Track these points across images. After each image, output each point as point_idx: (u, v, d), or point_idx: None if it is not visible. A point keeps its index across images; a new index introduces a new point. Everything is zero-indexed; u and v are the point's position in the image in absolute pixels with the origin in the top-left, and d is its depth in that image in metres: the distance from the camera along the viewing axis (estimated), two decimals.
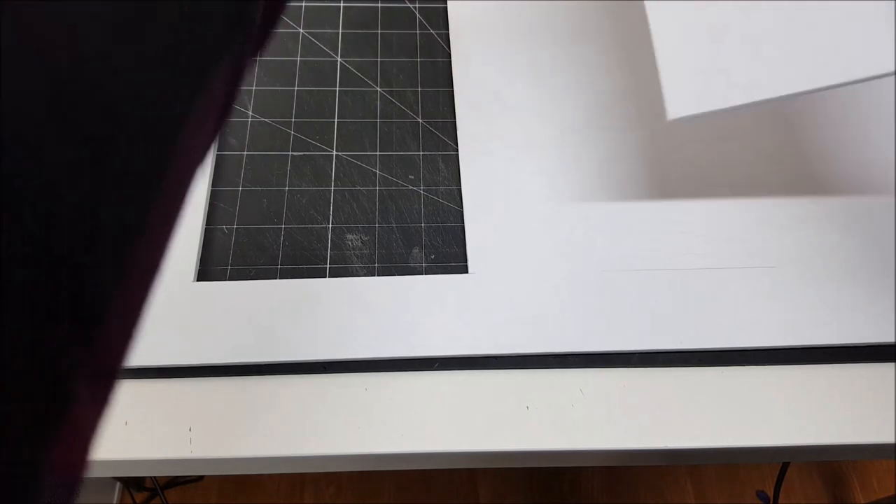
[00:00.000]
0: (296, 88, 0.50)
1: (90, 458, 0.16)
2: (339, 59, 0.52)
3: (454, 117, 0.48)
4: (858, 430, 0.37)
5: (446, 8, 0.54)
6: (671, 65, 0.32)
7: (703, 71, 0.31)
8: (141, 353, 0.38)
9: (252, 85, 0.50)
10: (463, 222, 0.44)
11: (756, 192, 0.45)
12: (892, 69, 0.29)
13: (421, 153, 0.47)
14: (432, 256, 0.43)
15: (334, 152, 0.47)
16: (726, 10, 0.32)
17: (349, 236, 0.43)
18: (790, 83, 0.30)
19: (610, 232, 0.43)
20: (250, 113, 0.48)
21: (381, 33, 0.53)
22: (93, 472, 0.37)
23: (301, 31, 0.53)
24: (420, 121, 0.48)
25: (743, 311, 0.40)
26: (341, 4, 0.55)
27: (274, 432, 0.37)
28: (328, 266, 0.42)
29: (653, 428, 0.37)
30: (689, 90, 0.31)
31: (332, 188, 0.45)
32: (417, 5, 0.55)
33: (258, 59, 0.40)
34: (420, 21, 0.54)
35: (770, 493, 0.99)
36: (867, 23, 0.29)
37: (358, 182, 0.45)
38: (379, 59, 0.52)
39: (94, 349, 0.15)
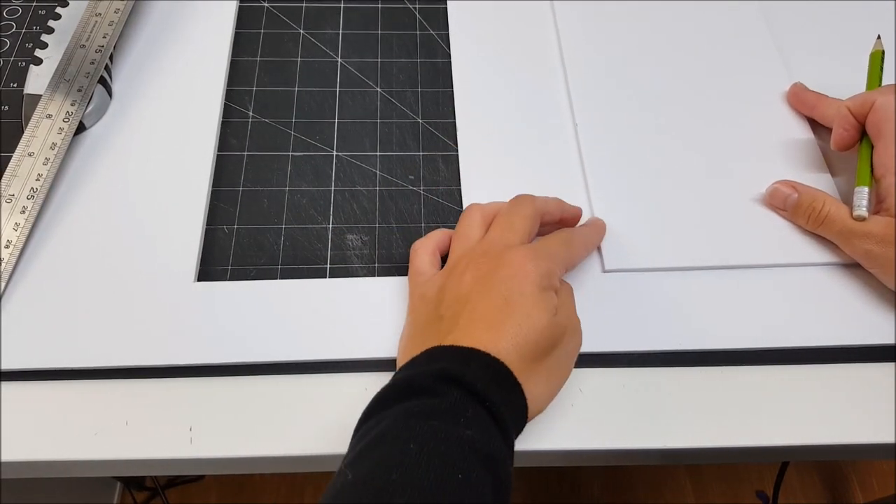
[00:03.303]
0: (296, 89, 0.50)
1: None
2: (339, 59, 0.52)
3: (454, 117, 0.48)
4: (858, 430, 0.37)
5: (446, 8, 0.54)
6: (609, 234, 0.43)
7: (632, 239, 0.43)
8: (141, 353, 0.38)
9: (252, 85, 0.50)
10: None
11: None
12: (762, 263, 0.42)
13: (421, 153, 0.47)
14: None
15: (334, 152, 0.47)
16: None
17: (349, 236, 0.43)
18: (693, 259, 0.42)
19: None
20: (251, 113, 0.48)
21: (381, 34, 0.53)
22: (93, 472, 0.37)
23: (301, 31, 0.53)
24: (420, 121, 0.48)
25: (743, 311, 0.40)
26: (341, 5, 0.55)
27: (274, 432, 0.37)
28: (328, 266, 0.42)
29: (653, 428, 0.37)
30: (619, 254, 0.42)
31: (333, 188, 0.45)
32: (417, 5, 0.55)
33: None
34: (420, 21, 0.54)
35: (769, 493, 0.99)
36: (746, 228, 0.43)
37: (358, 182, 0.46)
38: (379, 60, 0.52)
39: None
